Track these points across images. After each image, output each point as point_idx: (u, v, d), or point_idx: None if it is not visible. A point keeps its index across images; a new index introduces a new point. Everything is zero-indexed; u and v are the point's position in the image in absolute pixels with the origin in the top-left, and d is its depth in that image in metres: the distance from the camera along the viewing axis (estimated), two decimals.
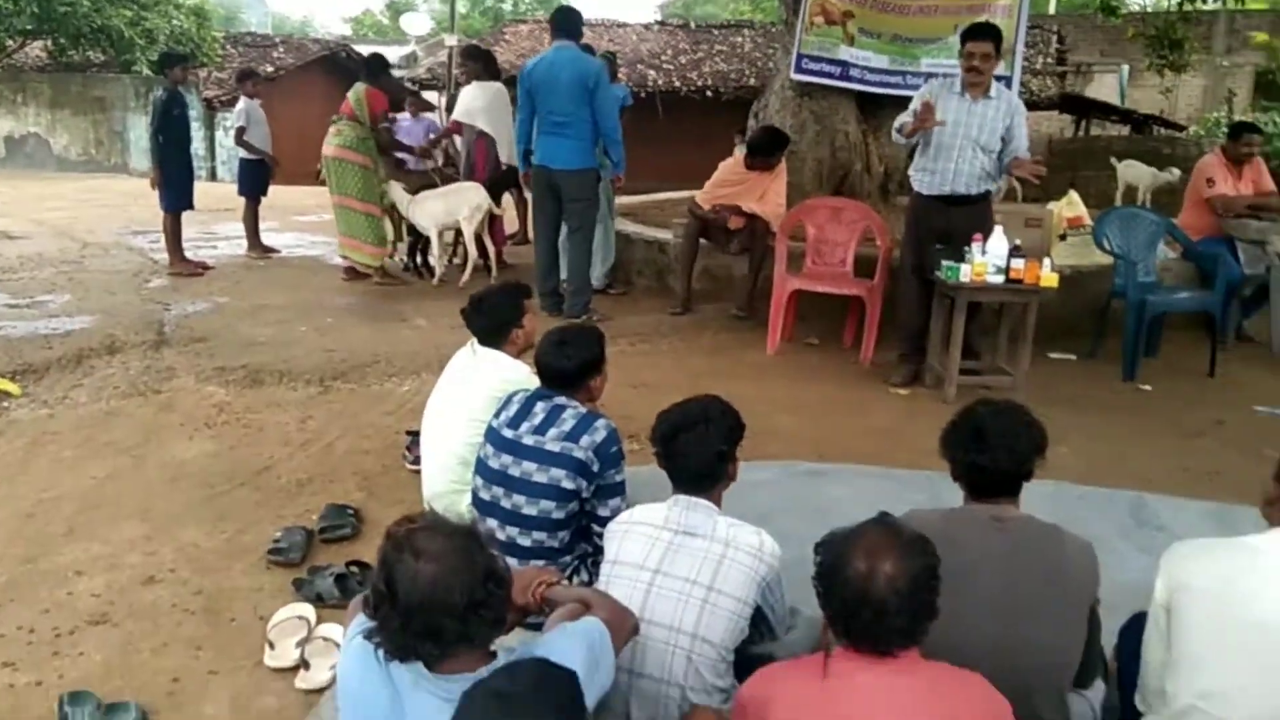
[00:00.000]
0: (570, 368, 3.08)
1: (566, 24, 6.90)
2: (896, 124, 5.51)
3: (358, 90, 7.85)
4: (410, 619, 1.71)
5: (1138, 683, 2.50)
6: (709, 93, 18.00)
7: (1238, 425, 5.30)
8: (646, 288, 7.80)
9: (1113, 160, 10.85)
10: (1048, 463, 4.69)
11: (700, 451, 2.51)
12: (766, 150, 6.80)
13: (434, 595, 1.70)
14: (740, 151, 6.96)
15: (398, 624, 1.73)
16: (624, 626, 2.22)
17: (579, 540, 3.08)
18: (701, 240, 7.08)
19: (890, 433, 4.92)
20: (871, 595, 1.82)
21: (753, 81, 17.20)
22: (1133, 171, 10.32)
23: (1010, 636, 2.27)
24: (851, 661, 1.87)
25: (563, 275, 7.10)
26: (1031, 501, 4.14)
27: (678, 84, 18.21)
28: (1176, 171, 9.77)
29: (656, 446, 2.58)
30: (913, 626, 1.84)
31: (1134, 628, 2.64)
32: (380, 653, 1.80)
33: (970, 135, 5.34)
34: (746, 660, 2.44)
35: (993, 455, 2.42)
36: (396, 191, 7.98)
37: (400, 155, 8.67)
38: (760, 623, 2.59)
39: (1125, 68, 20.45)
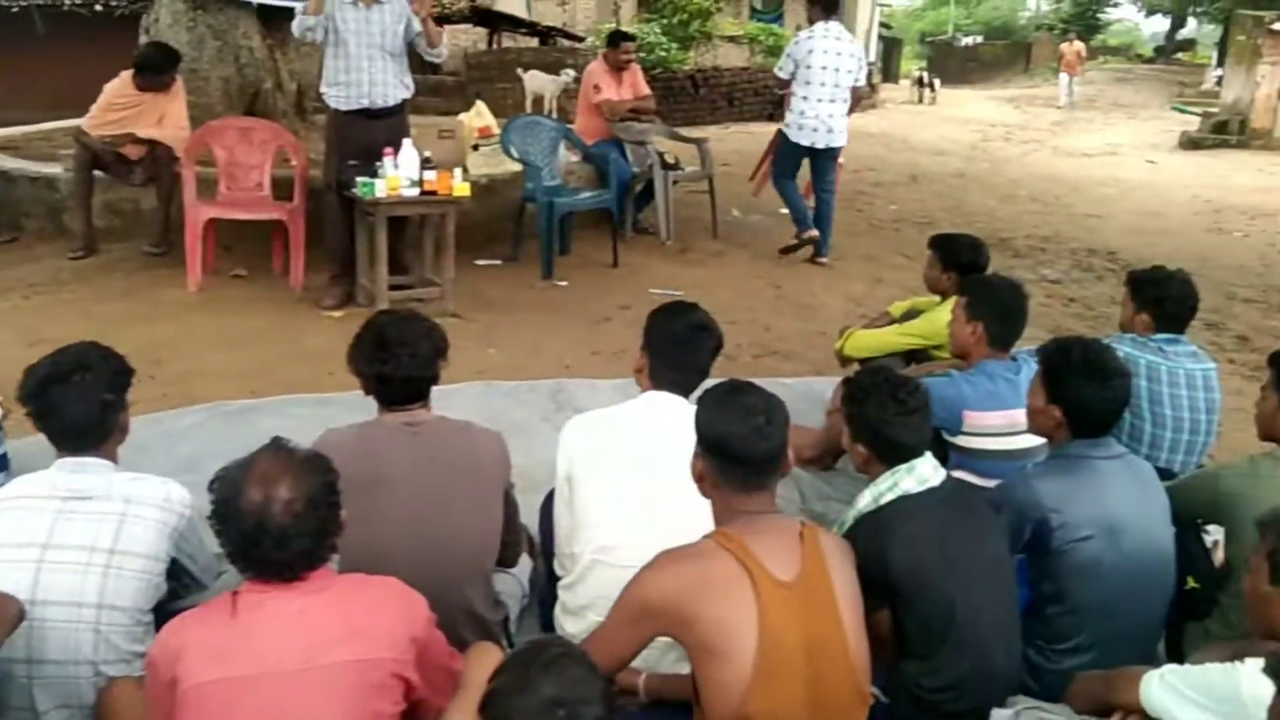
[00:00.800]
0: None
1: None
2: (295, 25, 5.36)
3: None
4: None
5: (554, 550, 2.76)
6: (99, 5, 16.02)
7: (639, 307, 5.93)
8: (39, 231, 6.81)
9: (519, 71, 11.48)
10: (479, 364, 4.98)
11: (80, 404, 2.27)
12: (157, 68, 6.22)
13: None
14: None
15: None
16: (3, 616, 1.97)
17: None
18: (98, 173, 6.35)
19: (325, 356, 4.83)
20: (269, 523, 1.78)
21: None
22: (537, 81, 11.00)
23: (431, 533, 2.38)
24: (260, 593, 1.83)
25: None
26: (463, 402, 4.36)
27: None
28: (571, 71, 10.62)
29: (27, 405, 2.29)
30: (317, 547, 1.84)
31: (550, 502, 2.90)
32: None
33: (375, 43, 5.34)
34: (172, 616, 2.30)
35: (397, 364, 2.47)
36: None
37: None
38: (182, 575, 2.46)
39: None
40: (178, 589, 2.48)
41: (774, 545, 1.97)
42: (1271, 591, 1.90)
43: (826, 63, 6.68)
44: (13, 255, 6.43)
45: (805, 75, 6.71)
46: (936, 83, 24.60)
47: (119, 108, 6.18)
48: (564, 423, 4.14)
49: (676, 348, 2.63)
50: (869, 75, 6.79)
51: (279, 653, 1.78)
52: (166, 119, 6.20)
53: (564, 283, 6.41)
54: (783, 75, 6.89)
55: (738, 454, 1.99)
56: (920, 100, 23.86)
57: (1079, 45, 25.36)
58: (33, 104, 8.78)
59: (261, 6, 7.57)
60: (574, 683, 1.54)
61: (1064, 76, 24.43)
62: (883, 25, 33.09)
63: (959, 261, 3.96)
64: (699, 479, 2.10)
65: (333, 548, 1.89)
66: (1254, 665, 1.82)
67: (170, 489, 2.34)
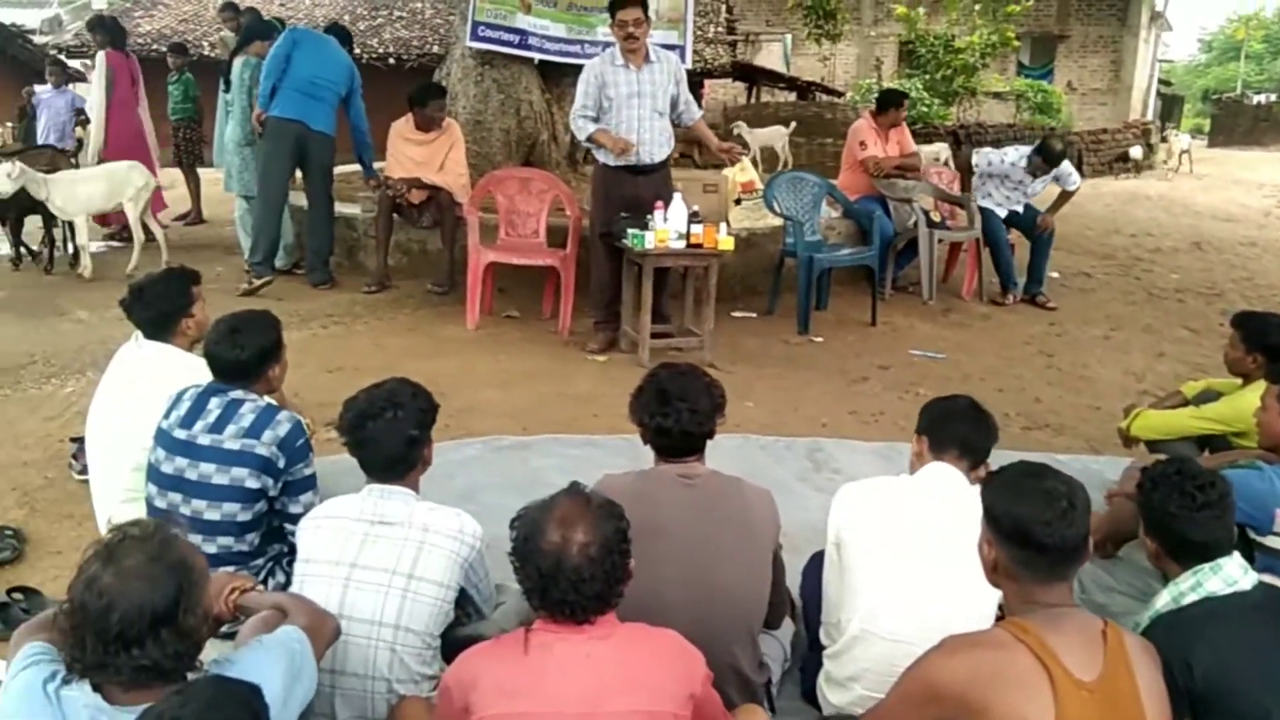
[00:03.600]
0: (245, 358, 2.88)
1: None
2: (584, 134, 5.57)
3: None
4: (106, 635, 1.59)
5: (820, 617, 2.71)
6: (392, 60, 17.43)
7: (898, 368, 5.83)
8: (337, 265, 7.45)
9: (739, 126, 11.62)
10: (735, 416, 4.97)
11: (391, 438, 2.44)
12: (422, 100, 6.66)
13: (130, 611, 1.57)
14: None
15: (92, 639, 1.60)
16: (324, 631, 2.14)
17: (271, 541, 2.92)
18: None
19: (590, 399, 5.01)
20: (566, 565, 1.84)
21: (436, 49, 16.76)
22: (759, 136, 11.08)
23: (703, 586, 2.39)
24: (551, 633, 1.90)
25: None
26: (720, 455, 4.33)
27: (358, 51, 17.43)
28: (783, 129, 10.73)
29: (345, 436, 2.49)
30: (607, 591, 1.89)
31: (814, 566, 2.86)
32: (50, 686, 1.65)
33: (647, 105, 5.50)
34: (455, 643, 2.41)
35: (677, 417, 2.51)
36: (29, 173, 6.84)
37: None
38: (466, 603, 2.58)
39: (788, 37, 21.81)
40: (460, 617, 2.61)
41: (1074, 642, 1.85)
42: None
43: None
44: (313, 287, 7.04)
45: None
46: (1182, 143, 20.26)
47: (411, 142, 6.66)
48: (822, 483, 4.14)
49: (957, 424, 2.57)
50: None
51: (566, 694, 1.84)
52: (447, 165, 6.65)
53: (819, 339, 6.35)
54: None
55: (1040, 542, 1.88)
56: (1181, 167, 19.63)
57: None
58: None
59: (543, 63, 8.01)
60: None
61: None
62: (1162, 82, 31.18)
63: (1267, 343, 3.63)
64: (991, 568, 2.00)
65: (620, 594, 1.93)
66: None
67: (464, 521, 2.47)
